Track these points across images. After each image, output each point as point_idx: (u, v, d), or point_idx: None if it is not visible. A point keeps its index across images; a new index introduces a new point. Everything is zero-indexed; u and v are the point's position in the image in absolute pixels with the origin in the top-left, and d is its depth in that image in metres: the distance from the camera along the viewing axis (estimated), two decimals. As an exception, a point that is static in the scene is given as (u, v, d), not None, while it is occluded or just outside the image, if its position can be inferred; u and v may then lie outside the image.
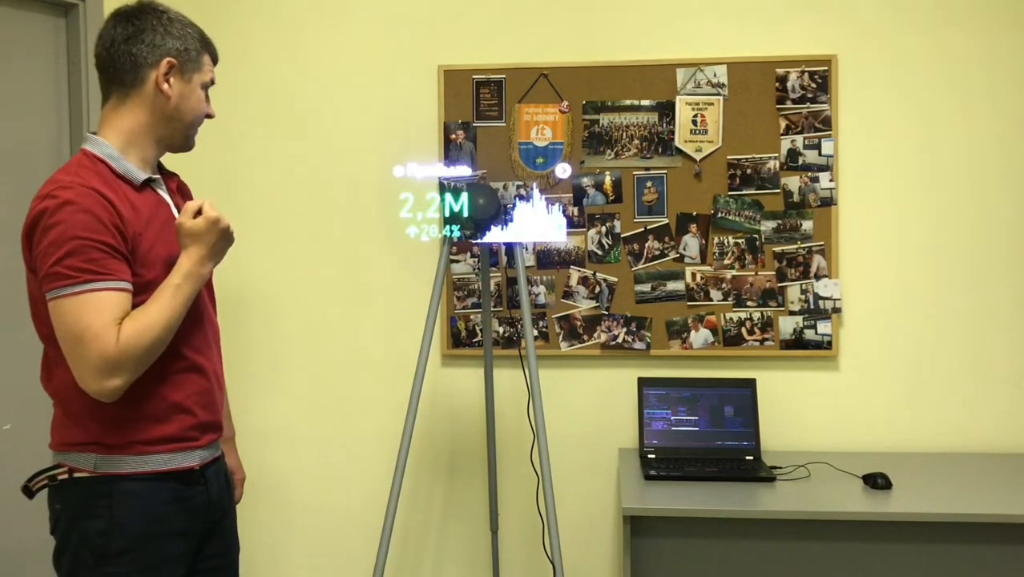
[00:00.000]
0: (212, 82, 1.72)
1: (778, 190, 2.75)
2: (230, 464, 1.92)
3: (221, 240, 1.64)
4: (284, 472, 2.94)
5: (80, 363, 1.50)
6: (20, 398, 2.47)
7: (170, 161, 1.80)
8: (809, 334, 2.75)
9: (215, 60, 1.74)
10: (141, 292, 1.57)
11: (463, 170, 2.72)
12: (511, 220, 2.44)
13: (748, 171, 2.76)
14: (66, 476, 1.58)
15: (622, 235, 2.80)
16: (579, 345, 2.82)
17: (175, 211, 1.70)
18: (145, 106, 1.63)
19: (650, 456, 2.62)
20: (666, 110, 2.77)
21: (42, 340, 1.64)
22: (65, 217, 1.50)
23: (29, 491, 1.62)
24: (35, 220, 1.53)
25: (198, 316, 1.70)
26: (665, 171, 2.78)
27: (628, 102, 2.78)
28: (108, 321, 1.50)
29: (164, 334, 1.56)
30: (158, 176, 1.71)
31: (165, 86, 1.62)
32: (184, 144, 1.72)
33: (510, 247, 2.67)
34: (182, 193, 1.80)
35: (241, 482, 1.98)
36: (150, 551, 1.59)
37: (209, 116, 1.73)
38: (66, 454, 1.60)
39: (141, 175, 1.63)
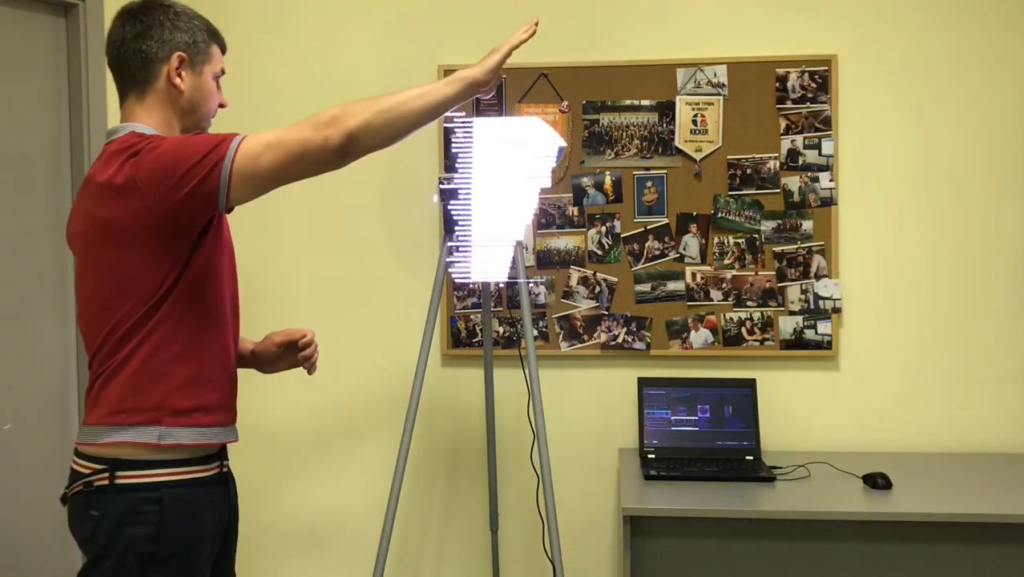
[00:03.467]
0: (223, 72, 1.74)
1: (778, 190, 2.75)
2: (279, 338, 1.90)
3: (488, 74, 1.68)
4: (284, 472, 2.95)
5: (297, 138, 1.50)
6: (20, 398, 2.47)
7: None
8: (809, 334, 2.75)
9: (223, 50, 1.75)
10: (195, 278, 1.59)
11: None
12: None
13: (748, 171, 2.76)
14: (106, 482, 1.56)
15: (622, 235, 2.80)
16: (579, 345, 2.82)
17: None
18: (163, 102, 1.65)
19: (650, 456, 2.62)
20: (666, 110, 2.77)
21: (121, 290, 1.57)
22: (171, 140, 1.51)
23: (67, 499, 1.61)
24: (138, 166, 1.50)
25: (233, 297, 1.73)
26: (665, 171, 2.78)
27: (628, 102, 2.78)
28: (294, 126, 1.52)
29: (394, 106, 1.55)
30: None
31: (177, 80, 1.64)
32: None
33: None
34: None
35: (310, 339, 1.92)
36: (192, 554, 1.60)
37: (222, 106, 1.75)
38: (122, 428, 1.56)
39: None
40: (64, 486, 1.61)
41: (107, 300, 1.58)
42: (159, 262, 1.54)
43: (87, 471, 1.57)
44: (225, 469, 1.70)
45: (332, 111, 1.51)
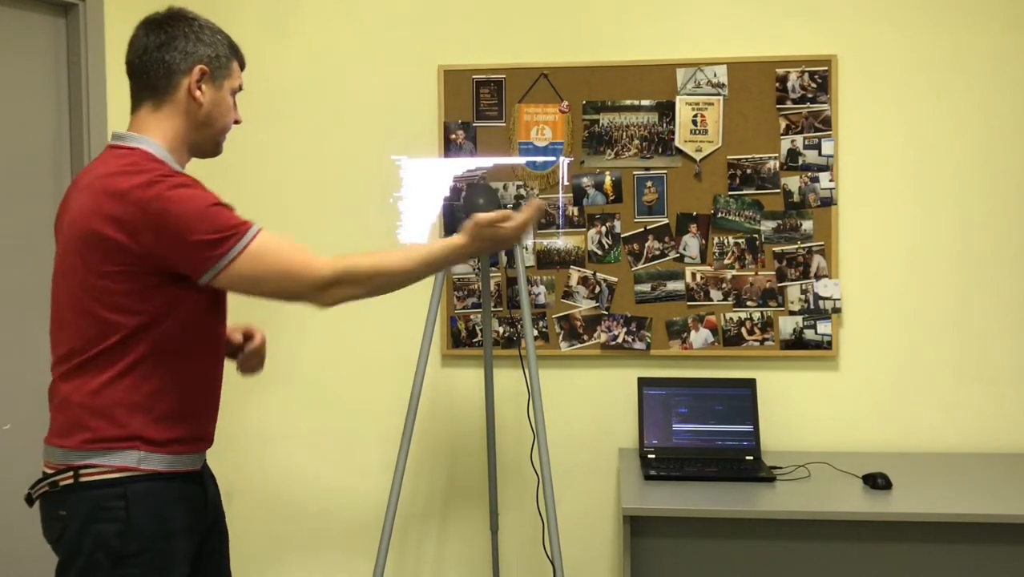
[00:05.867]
0: (240, 88, 1.75)
1: (778, 190, 2.75)
2: (242, 332, 1.90)
3: (490, 244, 1.73)
4: (284, 472, 2.94)
5: (297, 285, 1.58)
6: (20, 398, 2.47)
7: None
8: (809, 334, 2.75)
9: (243, 66, 1.76)
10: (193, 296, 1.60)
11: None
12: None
13: (748, 171, 2.76)
14: (71, 481, 1.57)
15: (622, 235, 2.80)
16: (579, 345, 2.82)
17: None
18: (179, 113, 1.66)
19: (650, 456, 2.62)
20: (666, 110, 2.77)
21: (87, 337, 1.58)
22: (189, 194, 1.53)
23: (31, 499, 1.61)
24: (146, 204, 1.50)
25: (223, 321, 1.73)
26: (665, 171, 2.78)
27: (628, 102, 2.78)
28: (301, 247, 1.59)
29: (389, 274, 1.64)
30: None
31: (198, 93, 1.65)
32: (214, 150, 1.74)
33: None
34: None
35: (263, 340, 1.93)
36: (164, 550, 1.59)
37: (237, 122, 1.77)
38: (102, 453, 1.56)
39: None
40: (29, 487, 1.61)
41: (77, 316, 1.57)
42: (138, 298, 1.54)
43: (52, 470, 1.58)
44: (197, 467, 1.70)
45: (335, 272, 1.59)
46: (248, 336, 1.90)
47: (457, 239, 1.71)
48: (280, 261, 1.57)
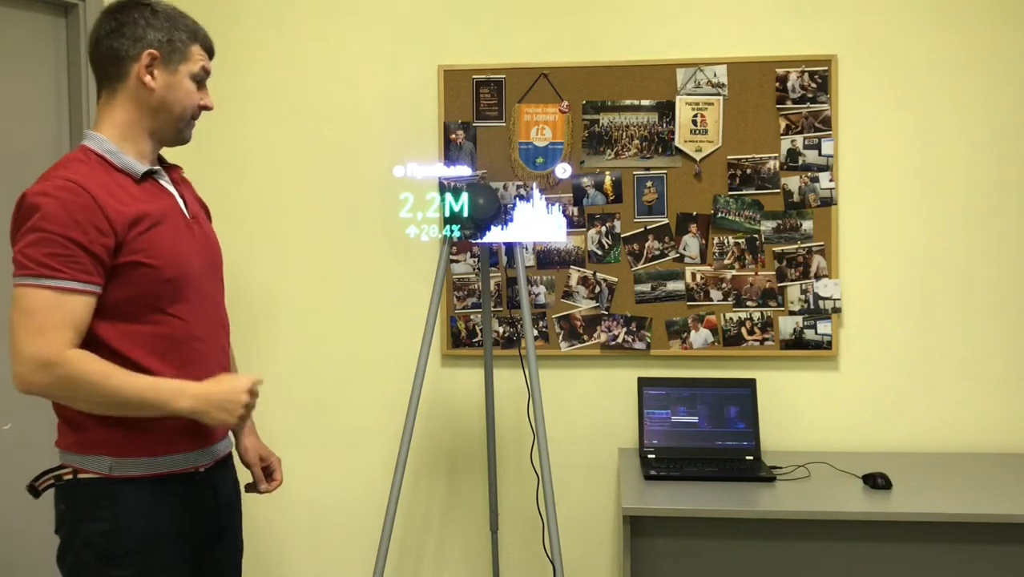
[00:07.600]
0: (206, 72, 1.70)
1: (778, 190, 2.75)
2: (257, 452, 1.89)
3: (223, 412, 1.59)
4: (285, 472, 2.94)
5: (16, 348, 1.48)
6: (20, 398, 2.47)
7: (177, 160, 1.80)
8: (809, 334, 2.75)
9: (209, 51, 1.71)
10: (144, 278, 1.57)
11: (463, 170, 2.73)
12: (511, 220, 2.44)
13: (748, 171, 2.76)
14: (71, 476, 1.57)
15: (622, 235, 2.80)
16: (579, 345, 2.82)
17: (180, 200, 1.71)
18: (131, 100, 1.63)
19: (650, 456, 2.62)
20: (666, 110, 2.77)
21: None
22: (41, 208, 1.49)
23: (35, 490, 1.61)
24: (18, 210, 1.54)
25: (204, 297, 1.69)
26: (665, 171, 2.78)
27: (628, 102, 2.78)
28: (55, 322, 1.48)
29: (99, 396, 1.51)
30: (159, 167, 1.70)
31: (148, 78, 1.62)
32: (176, 137, 1.70)
33: (510, 247, 2.67)
34: (184, 184, 1.79)
35: (279, 463, 1.92)
36: (153, 554, 1.58)
37: (206, 108, 1.71)
38: (79, 456, 1.58)
39: (140, 167, 1.62)
40: (32, 478, 1.61)
41: None
42: None
43: (57, 464, 1.60)
44: (203, 470, 1.68)
45: (55, 360, 1.47)
46: (269, 472, 1.90)
47: (180, 400, 1.55)
48: (26, 313, 1.48)
